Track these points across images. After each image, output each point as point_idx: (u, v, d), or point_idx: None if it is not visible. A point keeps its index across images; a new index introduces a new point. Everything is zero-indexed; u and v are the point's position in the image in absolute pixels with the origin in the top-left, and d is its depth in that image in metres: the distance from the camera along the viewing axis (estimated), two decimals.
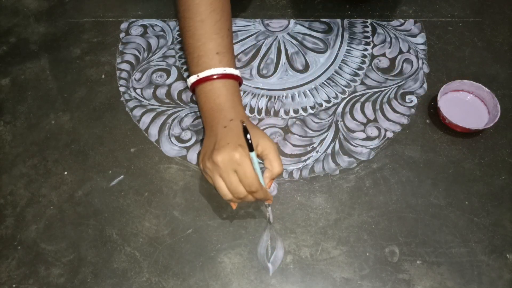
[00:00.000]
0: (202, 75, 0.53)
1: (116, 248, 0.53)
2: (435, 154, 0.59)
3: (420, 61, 0.69)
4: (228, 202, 0.49)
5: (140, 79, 0.68)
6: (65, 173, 0.59)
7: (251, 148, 0.46)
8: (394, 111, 0.64)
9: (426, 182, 0.57)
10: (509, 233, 0.53)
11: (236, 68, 0.55)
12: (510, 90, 0.65)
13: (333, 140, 0.61)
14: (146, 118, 0.64)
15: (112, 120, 0.64)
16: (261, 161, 0.50)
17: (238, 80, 0.55)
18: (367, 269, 0.51)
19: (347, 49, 0.71)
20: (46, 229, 0.54)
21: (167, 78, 0.68)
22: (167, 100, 0.65)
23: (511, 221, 0.54)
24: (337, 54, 0.71)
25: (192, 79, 0.54)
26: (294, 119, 0.63)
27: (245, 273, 0.51)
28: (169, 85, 0.67)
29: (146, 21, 0.75)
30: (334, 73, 0.68)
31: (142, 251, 0.52)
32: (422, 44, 0.71)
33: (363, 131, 0.62)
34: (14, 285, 0.51)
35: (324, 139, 0.61)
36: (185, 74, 0.68)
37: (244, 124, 0.46)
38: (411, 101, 0.65)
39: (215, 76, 0.52)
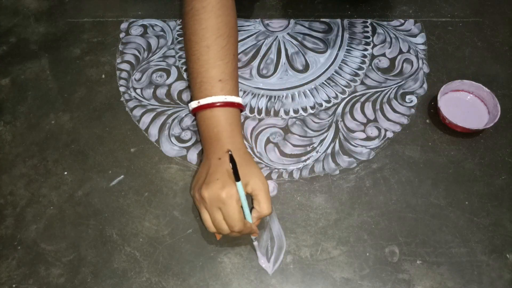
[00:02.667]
0: (203, 102, 0.53)
1: (116, 248, 0.53)
2: (435, 154, 0.59)
3: (420, 61, 0.69)
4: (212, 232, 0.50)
5: (140, 79, 0.68)
6: (65, 173, 0.59)
7: (237, 177, 0.46)
8: (394, 111, 0.64)
9: (426, 182, 0.57)
10: (509, 233, 0.53)
11: (238, 95, 0.55)
12: (510, 90, 0.65)
13: (333, 140, 0.61)
14: (146, 118, 0.64)
15: (112, 120, 0.64)
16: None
17: (240, 107, 0.55)
18: (367, 269, 0.51)
19: (347, 49, 0.71)
20: (46, 229, 0.54)
21: (167, 78, 0.68)
22: (167, 100, 0.65)
23: (511, 221, 0.54)
24: (337, 54, 0.71)
25: (193, 104, 0.54)
26: (294, 119, 0.63)
27: (245, 273, 0.51)
28: (169, 85, 0.67)
29: (146, 21, 0.75)
30: (334, 73, 0.68)
31: (142, 251, 0.52)
32: (422, 44, 0.71)
33: (363, 131, 0.62)
34: (14, 285, 0.51)
35: (324, 139, 0.61)
36: (185, 74, 0.68)
37: (231, 155, 0.46)
38: (411, 101, 0.65)
39: (216, 104, 0.52)
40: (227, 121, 0.52)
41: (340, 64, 0.69)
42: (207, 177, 0.48)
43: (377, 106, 0.64)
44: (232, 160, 0.46)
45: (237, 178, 0.46)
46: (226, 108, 0.53)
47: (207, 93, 0.53)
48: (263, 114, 0.64)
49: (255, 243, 0.52)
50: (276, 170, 0.58)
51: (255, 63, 0.70)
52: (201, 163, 0.53)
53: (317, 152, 0.60)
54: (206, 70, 0.54)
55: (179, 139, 0.62)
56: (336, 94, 0.66)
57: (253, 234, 0.51)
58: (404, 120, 0.63)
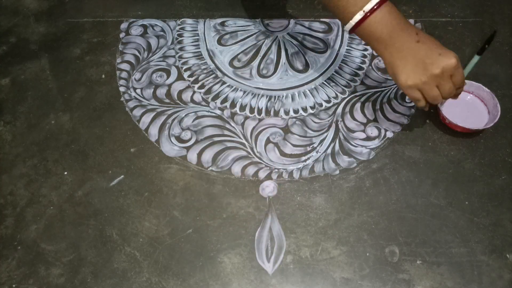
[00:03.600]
0: (368, 7, 0.51)
1: (116, 248, 0.53)
2: (435, 154, 0.59)
3: None
4: (425, 108, 0.54)
5: (140, 79, 0.68)
6: (65, 173, 0.59)
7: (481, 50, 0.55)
8: (394, 111, 0.64)
9: (426, 182, 0.57)
10: (509, 233, 0.53)
11: None
12: (510, 90, 0.65)
13: (333, 140, 0.61)
14: (146, 118, 0.64)
15: (112, 120, 0.64)
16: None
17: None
18: (367, 269, 0.51)
19: (347, 49, 0.71)
20: (46, 229, 0.54)
21: (167, 78, 0.68)
22: (167, 100, 0.65)
23: (511, 221, 0.54)
24: (337, 54, 0.71)
25: (358, 16, 0.52)
26: (294, 119, 0.63)
27: (245, 273, 0.51)
28: (169, 85, 0.67)
29: (146, 21, 0.75)
30: (334, 73, 0.68)
31: (142, 251, 0.52)
32: None
33: (363, 131, 0.62)
34: (14, 285, 0.51)
35: (324, 139, 0.61)
36: (185, 74, 0.68)
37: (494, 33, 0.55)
38: (411, 101, 0.65)
39: (381, 2, 0.51)
40: (396, 11, 0.53)
41: (340, 64, 0.69)
42: (427, 59, 0.50)
43: (377, 106, 0.64)
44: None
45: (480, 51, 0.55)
46: (386, 3, 0.52)
47: (361, 3, 0.51)
48: (263, 114, 0.64)
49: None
50: (276, 170, 0.58)
51: (255, 63, 0.70)
52: (392, 61, 0.53)
53: (317, 152, 0.60)
54: None
55: (179, 139, 0.62)
56: (336, 94, 0.66)
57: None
58: (404, 120, 0.63)
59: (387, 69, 0.53)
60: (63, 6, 0.78)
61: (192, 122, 0.63)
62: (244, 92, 0.66)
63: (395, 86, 0.66)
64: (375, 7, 0.51)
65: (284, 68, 0.69)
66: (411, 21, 0.74)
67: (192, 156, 0.60)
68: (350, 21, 0.53)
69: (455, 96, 0.56)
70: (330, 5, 0.56)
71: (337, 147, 0.60)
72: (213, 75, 0.68)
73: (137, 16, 0.76)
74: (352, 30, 0.54)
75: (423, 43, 0.51)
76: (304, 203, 0.56)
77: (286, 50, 0.71)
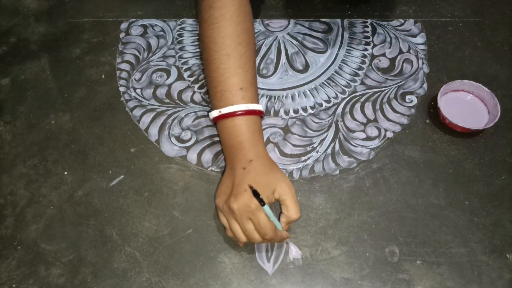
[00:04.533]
0: (224, 111, 0.52)
1: (116, 248, 0.53)
2: (435, 154, 0.59)
3: (420, 61, 0.69)
4: (237, 240, 0.50)
5: (140, 79, 0.68)
6: (65, 173, 0.59)
7: (262, 203, 0.47)
8: (394, 111, 0.64)
9: (426, 182, 0.57)
10: (509, 233, 0.53)
11: (258, 102, 0.55)
12: (510, 90, 0.65)
13: (333, 140, 0.61)
14: (146, 118, 0.64)
15: (112, 120, 0.64)
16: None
17: (260, 114, 0.55)
18: (367, 269, 0.51)
19: (347, 49, 0.71)
20: (46, 229, 0.54)
21: (167, 78, 0.68)
22: (167, 100, 0.65)
23: (511, 221, 0.54)
24: (337, 54, 0.71)
25: (214, 113, 0.53)
26: (294, 119, 0.63)
27: (245, 273, 0.51)
28: (169, 85, 0.67)
29: (146, 21, 0.75)
30: (334, 73, 0.68)
31: (142, 251, 0.52)
32: (422, 44, 0.71)
33: (363, 131, 0.62)
34: (14, 285, 0.51)
35: (324, 139, 0.61)
36: (185, 74, 0.68)
37: (252, 188, 0.47)
38: (411, 101, 0.65)
39: (237, 113, 0.52)
40: (249, 129, 0.52)
41: (340, 64, 0.69)
42: (234, 189, 0.48)
43: (377, 106, 0.64)
44: (254, 191, 0.47)
45: (261, 203, 0.47)
46: (248, 116, 0.52)
47: (228, 102, 0.52)
48: (264, 116, 0.64)
49: (288, 241, 0.53)
50: None
51: (256, 63, 0.69)
52: (225, 172, 0.53)
53: (317, 152, 0.60)
54: (226, 79, 0.53)
55: (179, 139, 0.62)
56: (336, 94, 0.66)
57: (285, 239, 0.51)
58: (404, 120, 0.63)
59: None
60: (63, 6, 0.78)
61: (192, 122, 0.63)
62: None
63: (395, 86, 0.66)
64: (227, 113, 0.52)
65: (284, 68, 0.69)
66: (411, 21, 0.74)
67: (192, 156, 0.60)
68: (210, 113, 0.55)
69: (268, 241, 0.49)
70: (211, 85, 0.55)
71: (337, 147, 0.60)
72: None
73: (137, 16, 0.76)
74: (213, 122, 0.55)
75: (247, 172, 0.49)
76: (304, 203, 0.56)
77: (286, 50, 0.71)
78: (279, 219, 0.50)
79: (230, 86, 0.53)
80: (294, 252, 0.52)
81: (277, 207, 0.53)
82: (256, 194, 0.47)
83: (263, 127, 0.62)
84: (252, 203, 0.46)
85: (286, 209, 0.49)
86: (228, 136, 0.53)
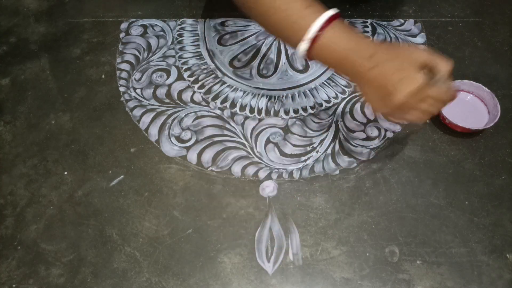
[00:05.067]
0: (310, 35, 0.46)
1: (116, 248, 0.53)
2: (435, 154, 0.59)
3: None
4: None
5: (140, 79, 0.68)
6: (65, 173, 0.59)
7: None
8: None
9: (426, 182, 0.57)
10: (509, 233, 0.53)
11: (327, 8, 0.49)
12: (510, 90, 0.65)
13: (333, 140, 0.61)
14: (146, 118, 0.64)
15: (112, 120, 0.64)
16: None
17: (339, 16, 0.49)
18: (367, 269, 0.51)
19: None
20: (46, 229, 0.54)
21: (167, 78, 0.68)
22: (167, 100, 0.65)
23: (511, 221, 0.54)
24: None
25: (303, 46, 0.47)
26: (294, 119, 0.63)
27: (245, 273, 0.51)
28: (169, 85, 0.67)
29: (146, 21, 0.75)
30: (334, 73, 0.68)
31: (142, 251, 0.52)
32: (422, 44, 0.71)
33: (363, 131, 0.62)
34: (14, 285, 0.51)
35: (324, 139, 0.61)
36: (185, 74, 0.68)
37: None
38: None
39: (324, 27, 0.46)
40: (345, 32, 0.47)
41: None
42: (388, 86, 0.43)
43: None
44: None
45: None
46: (334, 23, 0.47)
47: (307, 24, 0.47)
48: (263, 114, 0.64)
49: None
50: (276, 170, 0.58)
51: (255, 63, 0.70)
52: (359, 87, 0.48)
53: (317, 152, 0.60)
54: (290, 8, 0.48)
55: (179, 139, 0.62)
56: (336, 94, 0.66)
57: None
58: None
59: None
60: (63, 6, 0.78)
61: (192, 122, 0.63)
62: (244, 92, 0.66)
63: None
64: (319, 32, 0.46)
65: (284, 68, 0.69)
66: (411, 21, 0.74)
67: (192, 156, 0.60)
68: (298, 49, 0.49)
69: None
70: (278, 29, 0.50)
71: (337, 147, 0.60)
72: (213, 75, 0.68)
73: (137, 16, 0.76)
74: (307, 56, 0.49)
75: (378, 68, 0.44)
76: (304, 203, 0.56)
77: (286, 50, 0.71)
78: None
79: (297, 12, 0.48)
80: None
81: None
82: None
83: (263, 127, 0.62)
84: (417, 81, 0.42)
85: (438, 67, 0.45)
86: (333, 51, 0.47)
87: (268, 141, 0.61)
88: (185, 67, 0.69)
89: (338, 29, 0.47)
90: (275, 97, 0.66)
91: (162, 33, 0.74)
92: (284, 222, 0.54)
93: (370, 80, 0.45)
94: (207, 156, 0.60)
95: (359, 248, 0.52)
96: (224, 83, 0.67)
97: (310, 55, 0.49)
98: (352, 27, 0.49)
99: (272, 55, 0.70)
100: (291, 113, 0.64)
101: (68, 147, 0.61)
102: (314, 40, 0.47)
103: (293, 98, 0.66)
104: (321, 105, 0.65)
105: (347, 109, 0.64)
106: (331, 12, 0.47)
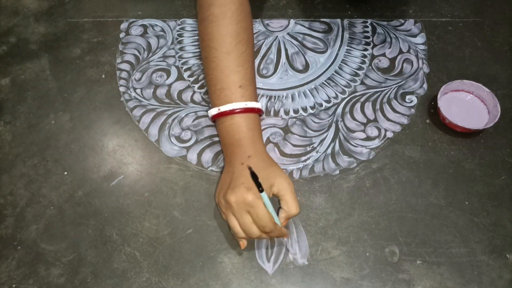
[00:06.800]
0: (223, 108, 0.52)
1: (116, 248, 0.53)
2: (435, 154, 0.59)
3: (420, 61, 0.69)
4: (238, 240, 0.49)
5: (140, 79, 0.68)
6: (65, 173, 0.59)
7: (261, 189, 0.46)
8: (394, 111, 0.64)
9: (426, 182, 0.57)
10: (509, 233, 0.53)
11: (257, 100, 0.55)
12: (510, 90, 0.65)
13: (333, 140, 0.61)
14: (146, 118, 0.64)
15: (112, 120, 0.64)
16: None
17: (259, 112, 0.54)
18: (367, 269, 0.51)
19: (347, 49, 0.71)
20: (46, 229, 0.54)
21: (167, 78, 0.68)
22: (167, 100, 0.65)
23: (511, 221, 0.54)
24: (337, 54, 0.71)
25: (213, 111, 0.53)
26: (294, 119, 0.63)
27: (245, 273, 0.51)
28: (169, 85, 0.67)
29: (146, 21, 0.75)
30: (334, 73, 0.68)
31: (142, 251, 0.52)
32: (422, 44, 0.71)
33: (363, 131, 0.62)
34: (14, 285, 0.51)
35: (324, 139, 0.61)
36: (185, 74, 0.68)
37: (251, 169, 0.47)
38: (411, 101, 0.65)
39: (236, 111, 0.52)
40: (248, 127, 0.52)
41: (340, 64, 0.69)
42: (232, 182, 0.48)
43: (377, 106, 0.64)
44: (252, 173, 0.46)
45: (260, 189, 0.46)
46: (247, 114, 0.52)
47: (227, 99, 0.52)
48: (263, 114, 0.64)
49: (285, 240, 0.52)
50: None
51: (255, 63, 0.70)
52: (224, 169, 0.53)
53: (317, 152, 0.60)
54: (226, 76, 0.53)
55: (179, 139, 0.62)
56: (336, 94, 0.66)
57: (284, 236, 0.49)
58: (404, 120, 0.63)
59: None
60: (63, 6, 0.78)
61: (192, 122, 0.63)
62: None
63: (395, 86, 0.66)
64: (227, 110, 0.52)
65: (284, 68, 0.69)
66: (411, 21, 0.74)
67: (192, 156, 0.60)
68: (209, 111, 0.55)
69: (271, 237, 0.49)
70: (209, 83, 0.56)
71: (337, 147, 0.60)
72: None
73: (137, 16, 0.76)
74: (212, 120, 0.56)
75: (245, 167, 0.48)
76: (304, 203, 0.56)
77: (286, 50, 0.71)
78: (278, 216, 0.50)
79: (230, 84, 0.53)
80: (292, 253, 0.52)
81: (276, 205, 0.52)
82: (254, 177, 0.46)
83: (263, 127, 0.62)
84: (249, 194, 0.45)
85: (286, 204, 0.48)
86: (227, 134, 0.53)
87: (268, 141, 0.61)
88: (185, 67, 0.69)
89: (245, 121, 0.52)
90: (275, 97, 0.66)
91: (162, 33, 0.74)
92: None
93: (232, 171, 0.49)
94: (207, 156, 0.60)
95: (359, 248, 0.52)
96: None
97: (214, 120, 0.55)
98: (258, 126, 0.54)
99: (272, 55, 0.70)
100: (291, 113, 0.64)
101: (68, 147, 0.61)
102: (223, 113, 0.52)
103: (293, 98, 0.66)
104: (321, 105, 0.65)
105: (347, 109, 0.64)
106: (254, 104, 0.53)
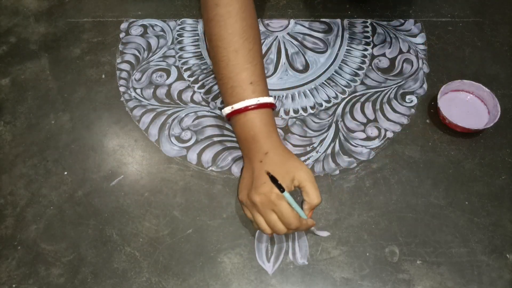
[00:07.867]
0: (236, 106, 0.53)
1: (116, 248, 0.53)
2: (435, 154, 0.59)
3: (420, 61, 0.69)
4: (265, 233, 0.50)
5: (140, 79, 0.68)
6: (65, 173, 0.59)
7: (282, 189, 0.47)
8: (394, 111, 0.64)
9: (426, 182, 0.57)
10: (509, 233, 0.53)
11: (269, 94, 0.55)
12: (510, 90, 0.65)
13: (333, 140, 0.61)
14: (146, 118, 0.64)
15: (112, 120, 0.64)
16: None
17: (272, 106, 0.55)
18: (367, 269, 0.51)
19: (347, 49, 0.71)
20: (46, 229, 0.54)
21: (167, 78, 0.68)
22: (167, 100, 0.65)
23: (511, 221, 0.54)
24: (337, 54, 0.71)
25: (227, 110, 0.54)
26: (294, 119, 0.63)
27: (245, 273, 0.51)
28: (169, 85, 0.67)
29: (146, 21, 0.75)
30: (334, 73, 0.68)
31: (142, 251, 0.52)
32: (422, 44, 0.71)
33: (363, 131, 0.62)
34: (14, 285, 0.51)
35: (324, 139, 0.61)
36: (185, 74, 0.68)
37: (270, 174, 0.48)
38: (411, 101, 0.65)
39: (250, 107, 0.52)
40: (262, 122, 0.52)
41: (340, 64, 0.69)
42: (254, 182, 0.48)
43: (377, 106, 0.64)
44: (272, 177, 0.47)
45: (281, 190, 0.47)
46: (260, 109, 0.53)
47: (240, 97, 0.53)
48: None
49: (313, 228, 0.53)
50: None
51: None
52: (243, 167, 0.54)
53: (317, 152, 0.60)
54: (236, 74, 0.53)
55: (179, 139, 0.62)
56: (336, 94, 0.66)
57: (311, 227, 0.50)
58: (404, 120, 0.63)
59: None
60: (63, 6, 0.78)
61: (192, 122, 0.63)
62: None
63: (395, 86, 0.66)
64: (242, 108, 0.52)
65: (284, 68, 0.69)
66: (411, 21, 0.74)
67: (192, 156, 0.60)
68: (223, 110, 0.55)
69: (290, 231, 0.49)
70: (221, 82, 0.56)
71: (337, 147, 0.60)
72: (213, 75, 0.68)
73: (137, 16, 0.76)
74: (227, 119, 0.56)
75: (263, 164, 0.49)
76: None
77: (286, 50, 0.71)
78: (301, 208, 0.50)
79: (241, 81, 0.53)
80: (322, 233, 0.53)
81: (299, 198, 0.52)
82: (274, 180, 0.47)
83: None
84: (272, 193, 0.46)
85: (307, 195, 0.49)
86: (242, 131, 0.53)
87: None
88: (185, 67, 0.69)
89: (259, 117, 0.53)
90: (275, 97, 0.66)
91: (162, 33, 0.74)
92: None
93: (252, 169, 0.50)
94: (207, 156, 0.60)
95: (359, 248, 0.52)
96: None
97: (228, 118, 0.55)
98: (272, 120, 0.54)
99: (272, 55, 0.70)
100: (291, 113, 0.64)
101: (68, 147, 0.61)
102: (237, 111, 0.53)
103: (293, 98, 0.66)
104: (321, 105, 0.65)
105: (347, 109, 0.64)
106: (266, 99, 0.53)
